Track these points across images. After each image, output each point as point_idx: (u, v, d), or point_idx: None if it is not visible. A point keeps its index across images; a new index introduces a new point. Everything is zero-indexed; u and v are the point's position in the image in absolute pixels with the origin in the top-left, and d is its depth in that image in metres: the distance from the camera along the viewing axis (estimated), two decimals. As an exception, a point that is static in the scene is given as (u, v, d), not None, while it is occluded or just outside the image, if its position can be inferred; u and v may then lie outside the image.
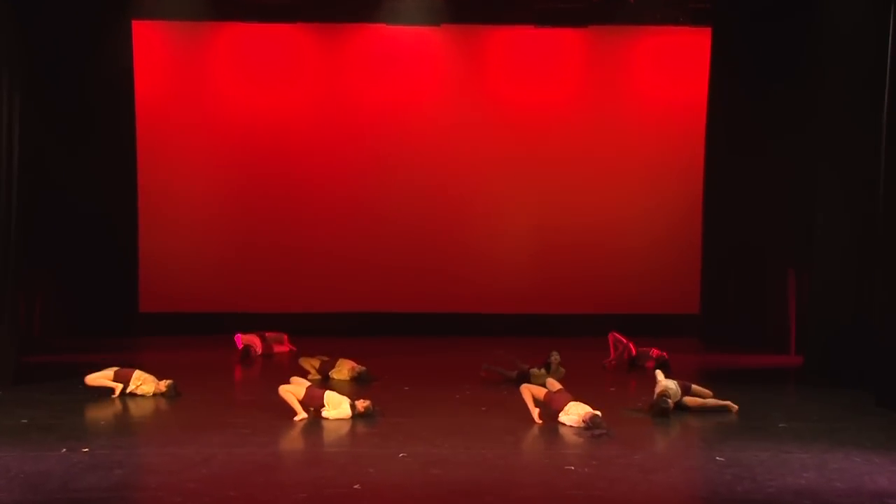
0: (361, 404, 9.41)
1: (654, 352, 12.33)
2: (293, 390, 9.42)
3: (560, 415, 9.26)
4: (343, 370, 11.47)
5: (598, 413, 9.08)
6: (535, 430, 9.19)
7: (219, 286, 14.91)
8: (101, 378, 10.35)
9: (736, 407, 9.88)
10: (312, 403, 9.38)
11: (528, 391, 9.50)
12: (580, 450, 8.49)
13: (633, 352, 12.40)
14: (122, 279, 14.59)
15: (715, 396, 9.99)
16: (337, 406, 9.35)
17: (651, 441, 8.99)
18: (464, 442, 8.61)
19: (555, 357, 11.29)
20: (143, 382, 10.37)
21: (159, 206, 14.94)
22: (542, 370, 11.18)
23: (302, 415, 9.30)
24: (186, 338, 14.28)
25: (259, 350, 13.04)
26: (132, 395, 10.27)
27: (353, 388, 10.85)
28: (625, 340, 12.47)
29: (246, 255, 15.07)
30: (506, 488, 7.41)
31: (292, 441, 8.84)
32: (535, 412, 9.39)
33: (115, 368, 10.46)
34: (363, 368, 11.45)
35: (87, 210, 14.15)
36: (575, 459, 8.08)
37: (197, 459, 7.95)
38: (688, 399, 9.85)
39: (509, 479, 7.76)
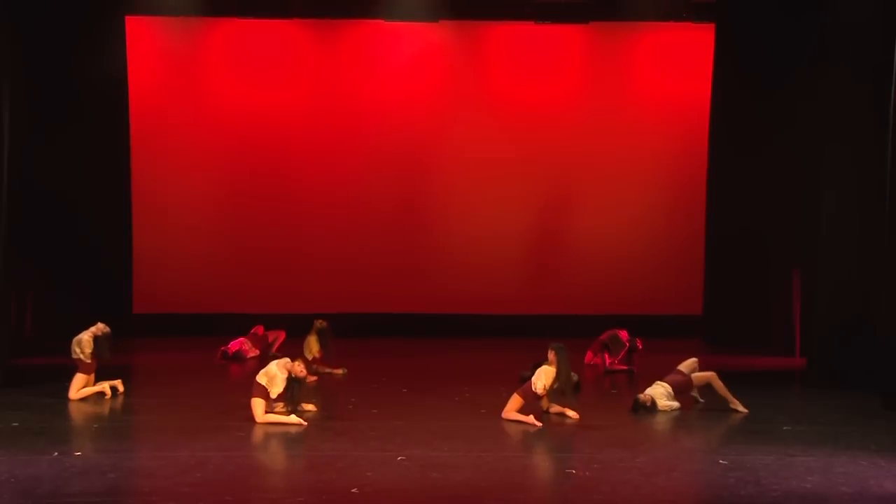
0: (299, 368, 9.27)
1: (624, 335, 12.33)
2: (260, 410, 9.23)
3: (535, 387, 9.27)
4: (312, 348, 11.44)
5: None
6: (536, 433, 9.12)
7: (213, 287, 14.82)
8: (83, 391, 10.22)
9: (745, 410, 9.82)
10: (273, 399, 9.22)
11: (508, 414, 9.43)
12: (582, 453, 8.44)
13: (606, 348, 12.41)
14: (115, 280, 14.48)
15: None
16: (273, 380, 9.16)
17: (654, 444, 8.93)
18: (463, 445, 8.54)
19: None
20: (80, 344, 10.21)
21: (153, 206, 14.82)
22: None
23: (299, 421, 9.18)
24: (180, 339, 14.18)
25: (250, 351, 12.92)
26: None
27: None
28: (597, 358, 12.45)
29: (240, 255, 14.96)
30: (506, 492, 7.34)
31: (289, 444, 8.74)
32: (529, 418, 9.33)
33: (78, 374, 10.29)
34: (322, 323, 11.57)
35: (79, 210, 14.01)
36: (576, 463, 8.02)
37: (191, 463, 7.86)
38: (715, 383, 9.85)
39: (509, 482, 7.68)
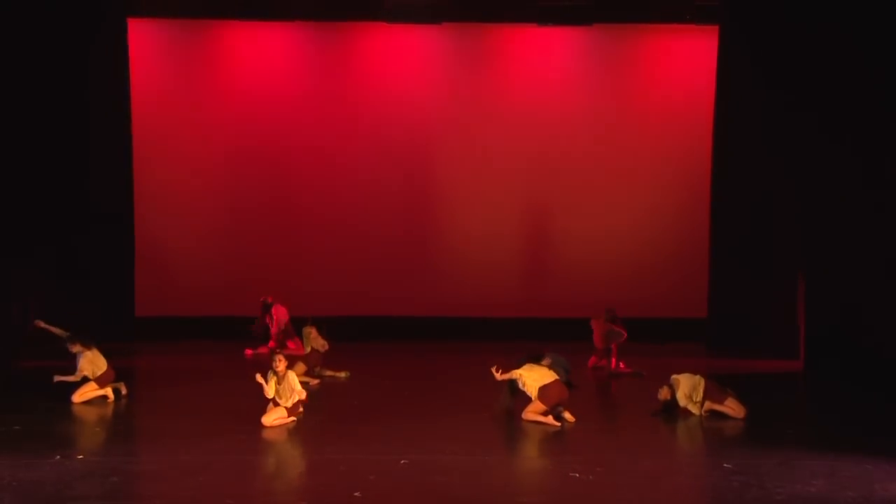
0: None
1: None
2: (273, 417, 9.30)
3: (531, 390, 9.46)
4: (318, 342, 11.69)
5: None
6: (540, 435, 9.12)
7: (215, 290, 14.83)
8: (86, 394, 10.26)
9: (743, 412, 9.79)
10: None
11: (528, 415, 9.46)
12: (586, 457, 8.41)
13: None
14: (117, 283, 14.45)
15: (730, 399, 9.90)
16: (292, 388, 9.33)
17: (658, 448, 8.94)
18: (466, 448, 8.55)
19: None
20: (92, 366, 10.27)
21: (155, 209, 14.84)
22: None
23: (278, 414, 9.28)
24: (183, 343, 14.20)
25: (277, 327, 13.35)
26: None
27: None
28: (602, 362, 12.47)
29: (243, 259, 14.98)
30: (509, 496, 7.36)
31: (291, 448, 8.77)
32: (549, 419, 9.38)
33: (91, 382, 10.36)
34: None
35: (82, 212, 13.99)
36: (580, 466, 8.00)
37: (194, 467, 7.89)
38: (708, 404, 9.82)
39: (513, 486, 7.71)
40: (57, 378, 10.30)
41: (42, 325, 10.44)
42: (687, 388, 9.77)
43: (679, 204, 15.02)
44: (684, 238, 14.96)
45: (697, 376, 9.83)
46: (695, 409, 9.77)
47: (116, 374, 10.56)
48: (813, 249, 11.94)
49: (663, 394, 9.83)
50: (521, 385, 9.50)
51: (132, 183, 14.59)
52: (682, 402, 9.76)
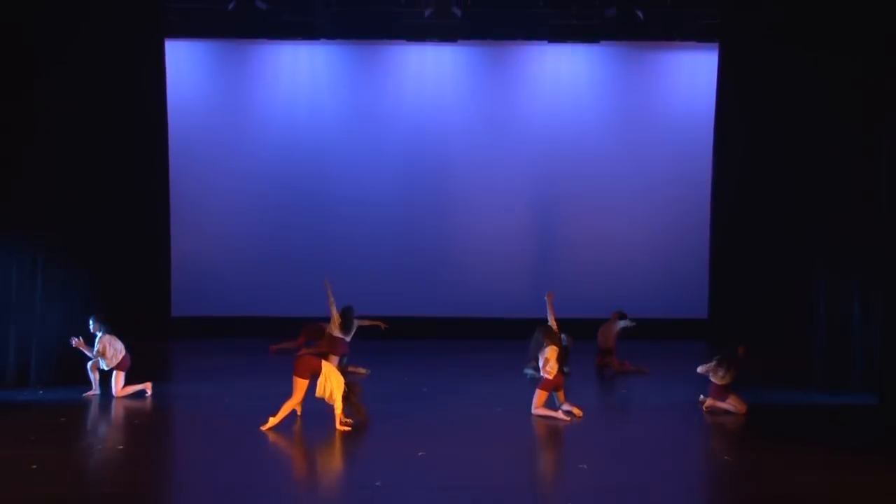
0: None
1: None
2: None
3: (547, 370, 9.87)
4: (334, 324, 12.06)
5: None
6: (550, 429, 9.41)
7: (250, 290, 15.22)
8: (127, 389, 10.75)
9: (744, 409, 10.12)
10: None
11: (537, 410, 9.83)
12: (593, 449, 8.73)
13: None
14: (154, 284, 14.81)
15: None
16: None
17: (662, 441, 9.18)
18: (480, 441, 8.88)
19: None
20: (102, 357, 10.72)
21: (191, 215, 15.26)
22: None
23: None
24: (218, 341, 14.55)
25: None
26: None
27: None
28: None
29: (274, 262, 15.35)
30: (522, 486, 7.66)
31: (316, 439, 9.11)
32: (558, 413, 9.73)
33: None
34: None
35: (120, 217, 14.34)
36: (587, 457, 8.30)
37: (225, 456, 8.32)
38: (710, 402, 10.21)
39: (525, 477, 8.01)
40: (76, 343, 10.65)
41: (82, 345, 10.75)
42: (720, 372, 10.13)
43: (681, 211, 15.31)
44: (686, 242, 15.26)
45: (732, 374, 10.17)
46: (701, 370, 10.26)
47: (142, 368, 10.91)
48: (812, 252, 12.06)
49: (741, 351, 10.25)
50: (540, 353, 9.88)
51: (168, 190, 15.02)
52: (710, 364, 10.18)
